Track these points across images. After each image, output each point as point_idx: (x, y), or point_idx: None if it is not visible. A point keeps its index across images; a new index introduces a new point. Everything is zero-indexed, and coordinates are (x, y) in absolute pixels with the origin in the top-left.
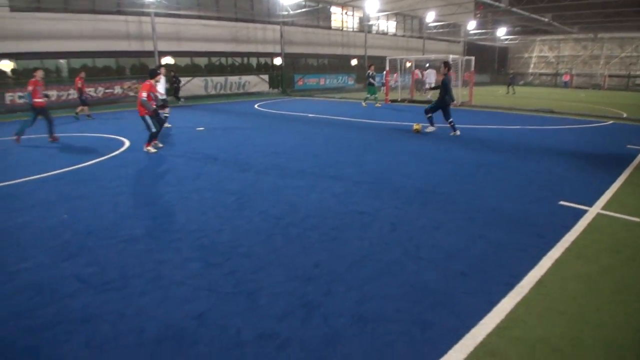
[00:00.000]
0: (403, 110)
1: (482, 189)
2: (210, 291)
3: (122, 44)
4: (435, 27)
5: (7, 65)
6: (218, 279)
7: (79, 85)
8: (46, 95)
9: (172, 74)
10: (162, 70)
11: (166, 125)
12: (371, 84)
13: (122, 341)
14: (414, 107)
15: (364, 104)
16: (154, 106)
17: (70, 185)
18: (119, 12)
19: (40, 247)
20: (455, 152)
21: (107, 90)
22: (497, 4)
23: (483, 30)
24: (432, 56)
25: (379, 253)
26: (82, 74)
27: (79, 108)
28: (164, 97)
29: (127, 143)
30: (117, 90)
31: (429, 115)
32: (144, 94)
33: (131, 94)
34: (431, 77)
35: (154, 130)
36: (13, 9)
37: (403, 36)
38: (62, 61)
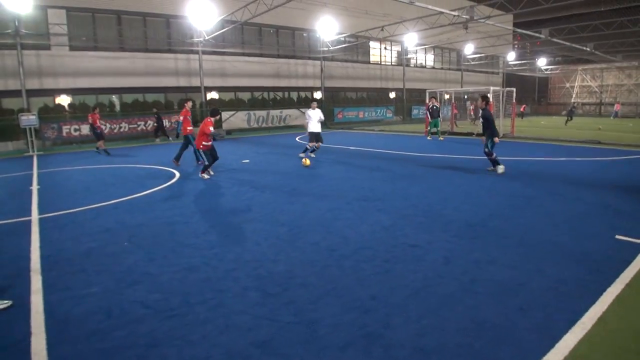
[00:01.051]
0: (445, 143)
1: (534, 222)
2: (270, 320)
3: (171, 80)
4: (473, 59)
5: (65, 100)
6: (278, 309)
7: (90, 121)
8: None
9: (155, 110)
10: (189, 104)
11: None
12: (434, 117)
13: None
14: (455, 139)
15: (429, 138)
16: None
17: (129, 214)
18: (170, 51)
19: (105, 273)
20: (502, 184)
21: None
22: (537, 35)
23: (523, 61)
24: (471, 88)
25: (435, 286)
26: (97, 110)
27: (99, 143)
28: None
29: (177, 174)
30: (166, 123)
31: (493, 156)
32: (211, 129)
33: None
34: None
35: (207, 163)
36: (72, 48)
37: (441, 69)
38: (114, 97)
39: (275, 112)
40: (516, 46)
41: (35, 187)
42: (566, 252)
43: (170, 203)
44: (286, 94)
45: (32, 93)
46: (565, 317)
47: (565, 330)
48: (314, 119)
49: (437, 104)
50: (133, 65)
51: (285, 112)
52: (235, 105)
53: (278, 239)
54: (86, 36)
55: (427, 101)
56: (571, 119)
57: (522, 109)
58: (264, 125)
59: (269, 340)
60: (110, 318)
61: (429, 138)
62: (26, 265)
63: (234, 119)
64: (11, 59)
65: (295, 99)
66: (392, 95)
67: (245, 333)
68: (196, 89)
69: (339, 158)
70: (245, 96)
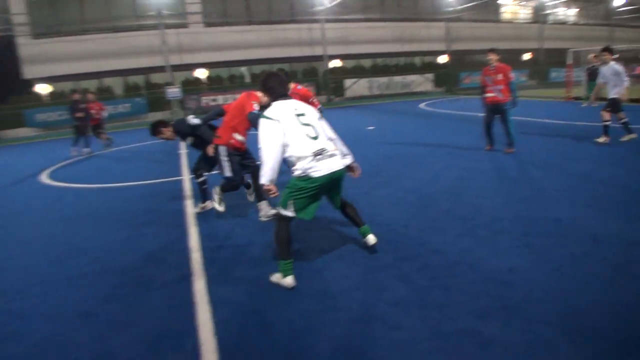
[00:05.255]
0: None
1: None
2: (405, 282)
3: (294, 50)
4: (627, 11)
5: (202, 73)
6: (412, 272)
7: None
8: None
9: (76, 97)
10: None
11: None
12: (592, 80)
13: (332, 316)
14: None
15: (586, 104)
16: None
17: None
18: (293, 21)
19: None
20: None
21: None
22: None
23: None
24: (624, 46)
25: (582, 265)
26: (90, 96)
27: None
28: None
29: None
30: None
31: (623, 119)
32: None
33: None
34: None
35: (228, 176)
36: (206, 25)
37: (586, 24)
38: (243, 68)
39: (398, 79)
40: None
41: (183, 151)
42: None
43: None
44: (409, 59)
45: (174, 68)
46: None
47: None
48: None
49: (598, 64)
50: (259, 38)
51: (409, 77)
52: (358, 72)
53: (408, 204)
54: (218, 12)
55: (593, 58)
56: None
57: None
58: (386, 92)
59: (404, 300)
60: (258, 266)
61: (586, 104)
62: (182, 212)
63: (356, 87)
64: (156, 38)
65: (419, 64)
66: (527, 56)
67: (381, 292)
68: (319, 58)
69: (465, 126)
70: (367, 63)
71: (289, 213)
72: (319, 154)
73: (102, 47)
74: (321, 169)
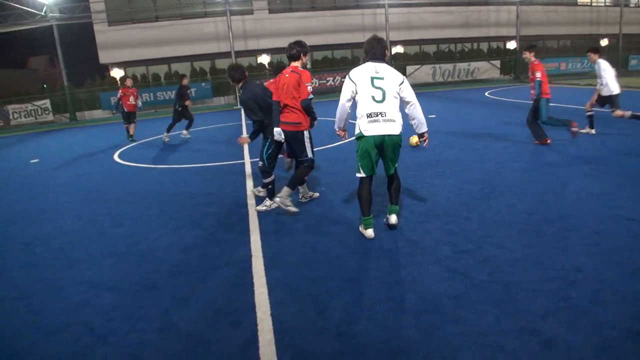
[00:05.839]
0: None
1: None
2: (464, 275)
3: (357, 36)
4: None
5: (265, 59)
6: (471, 266)
7: (120, 95)
8: None
9: (184, 83)
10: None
11: None
12: None
13: (387, 305)
14: None
15: None
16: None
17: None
18: (357, 7)
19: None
20: None
21: (342, 80)
22: None
23: None
24: None
25: None
26: (128, 82)
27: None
28: None
29: None
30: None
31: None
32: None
33: None
34: None
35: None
36: (271, 11)
37: None
38: None
39: (462, 65)
40: None
41: (245, 135)
42: None
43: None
44: (475, 45)
45: (238, 54)
46: None
47: None
48: None
49: None
50: (323, 24)
51: (474, 64)
52: (421, 58)
53: (470, 196)
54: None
55: None
56: None
57: None
58: (449, 79)
59: (463, 294)
60: (314, 252)
61: None
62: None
63: (418, 73)
64: (222, 24)
65: (486, 50)
66: (604, 42)
67: (438, 283)
68: None
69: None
70: (430, 49)
71: (359, 174)
72: (373, 115)
73: (170, 34)
74: (371, 129)
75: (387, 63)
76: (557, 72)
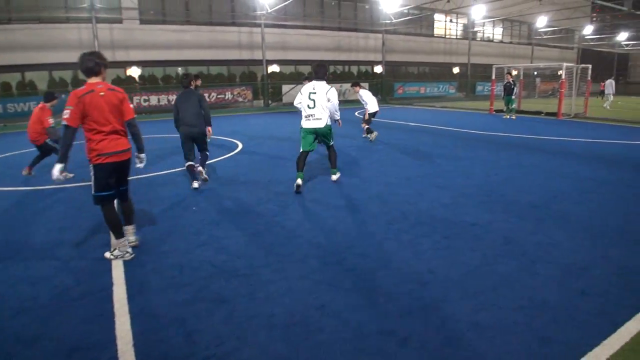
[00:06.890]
0: (510, 121)
1: (604, 207)
2: (330, 286)
3: (233, 53)
4: (546, 32)
5: (135, 72)
6: (337, 275)
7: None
8: None
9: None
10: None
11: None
12: (509, 94)
13: (257, 322)
14: (524, 119)
15: (507, 116)
16: None
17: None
18: (233, 24)
19: (176, 233)
20: (571, 167)
21: (219, 96)
22: (618, 7)
23: (600, 36)
24: (542, 64)
25: (493, 265)
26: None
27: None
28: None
29: (240, 145)
30: (228, 95)
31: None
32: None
33: (240, 99)
34: (609, 88)
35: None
36: (142, 22)
37: (510, 43)
38: (180, 69)
39: (334, 86)
40: (594, 19)
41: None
42: (636, 240)
43: (232, 171)
44: (346, 67)
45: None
46: (629, 304)
47: (628, 317)
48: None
49: (512, 80)
50: (198, 39)
51: (345, 86)
52: (296, 78)
53: (337, 210)
54: (155, 10)
55: (507, 76)
56: None
57: (601, 87)
58: None
59: (329, 303)
60: (182, 274)
61: (507, 117)
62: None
63: (293, 92)
64: (87, 32)
65: (356, 73)
66: (456, 70)
67: (307, 295)
68: (258, 62)
69: (397, 134)
70: (305, 69)
71: (301, 150)
72: (308, 116)
73: (26, 39)
74: (305, 124)
75: (325, 81)
76: (418, 95)
